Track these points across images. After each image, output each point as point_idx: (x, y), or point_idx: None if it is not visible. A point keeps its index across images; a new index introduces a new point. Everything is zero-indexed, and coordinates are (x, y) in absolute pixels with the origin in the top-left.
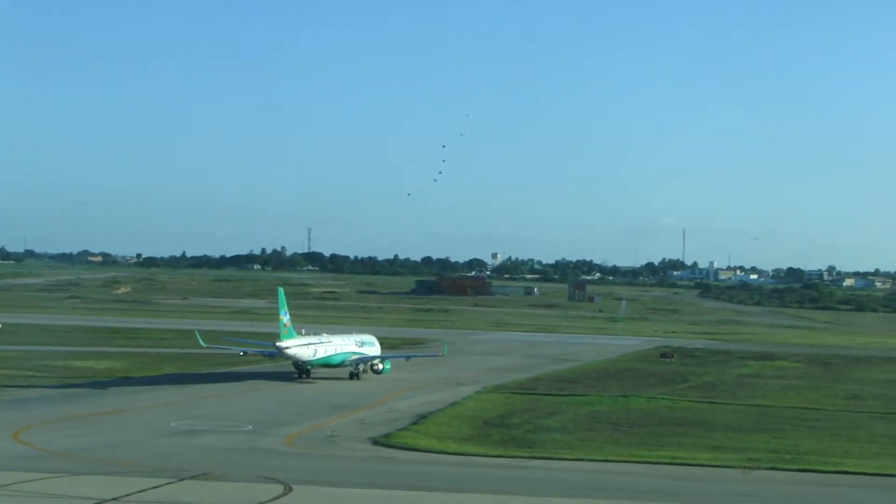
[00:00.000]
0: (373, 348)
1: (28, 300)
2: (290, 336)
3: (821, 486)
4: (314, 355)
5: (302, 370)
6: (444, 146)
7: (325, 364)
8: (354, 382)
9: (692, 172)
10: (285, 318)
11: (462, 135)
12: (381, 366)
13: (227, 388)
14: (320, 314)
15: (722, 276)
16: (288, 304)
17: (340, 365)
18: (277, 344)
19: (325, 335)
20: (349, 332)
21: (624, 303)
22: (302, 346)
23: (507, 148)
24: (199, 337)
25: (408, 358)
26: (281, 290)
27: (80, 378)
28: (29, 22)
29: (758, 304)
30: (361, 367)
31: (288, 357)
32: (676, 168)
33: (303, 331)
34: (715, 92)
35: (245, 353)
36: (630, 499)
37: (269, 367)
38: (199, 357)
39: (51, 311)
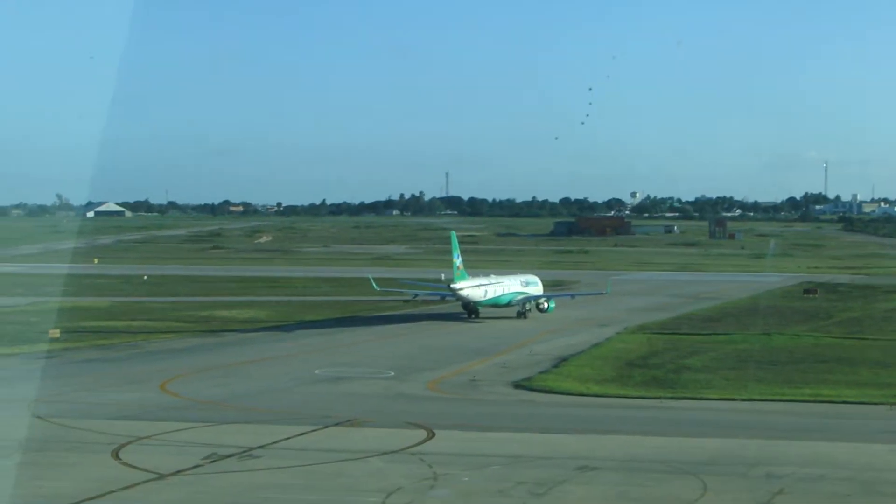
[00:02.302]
0: (536, 287)
1: (172, 251)
2: (462, 278)
3: None
4: (484, 296)
5: (472, 311)
6: (590, 88)
7: (494, 304)
8: (488, 323)
9: (832, 102)
10: (458, 260)
11: (608, 77)
12: (546, 304)
13: (377, 331)
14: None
15: (866, 209)
16: (458, 247)
17: (508, 305)
18: (452, 286)
19: (494, 276)
20: (513, 273)
21: (773, 241)
22: (474, 288)
23: (648, 87)
24: (372, 281)
25: (573, 296)
26: (454, 234)
27: (226, 328)
28: None
29: None
30: (528, 305)
31: (460, 298)
32: (817, 98)
33: (442, 276)
34: (853, 27)
35: (416, 295)
36: (775, 437)
37: (437, 308)
38: (342, 304)
39: (194, 261)
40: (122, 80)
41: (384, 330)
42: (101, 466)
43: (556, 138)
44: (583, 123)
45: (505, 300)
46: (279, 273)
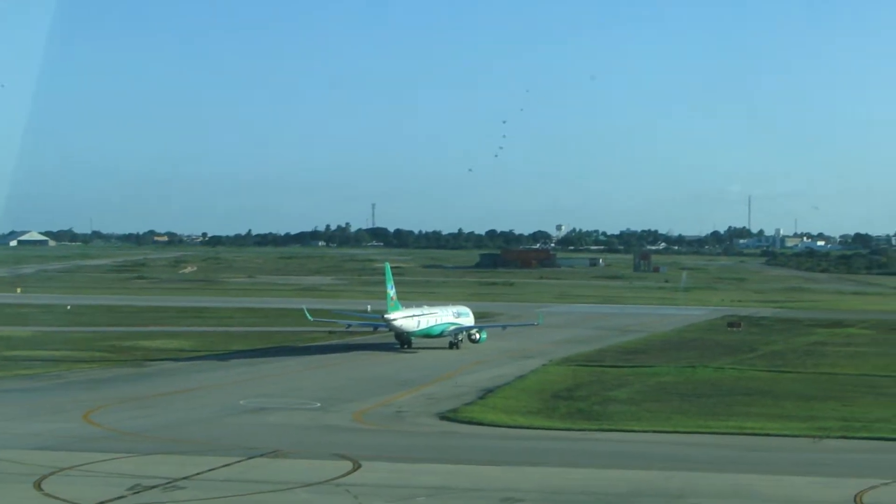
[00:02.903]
0: (468, 318)
1: (96, 281)
2: (395, 308)
3: (892, 453)
4: (417, 326)
5: (405, 341)
6: (504, 121)
7: (427, 335)
8: (414, 355)
9: (756, 138)
10: (392, 291)
11: (522, 110)
12: (478, 335)
13: (304, 361)
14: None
15: (788, 244)
16: (392, 278)
17: (440, 335)
18: (385, 316)
19: (426, 307)
20: (445, 304)
21: (685, 273)
22: (407, 318)
23: (567, 120)
24: (307, 312)
25: (504, 327)
26: (387, 265)
27: (150, 358)
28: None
29: (825, 270)
30: (460, 336)
31: (393, 329)
32: (740, 134)
33: (368, 307)
34: (774, 56)
35: (349, 325)
36: (699, 470)
37: (369, 338)
38: (267, 335)
39: (119, 291)
40: (39, 109)
41: (312, 360)
42: (23, 498)
43: (470, 170)
44: (496, 156)
45: (437, 331)
46: (204, 303)
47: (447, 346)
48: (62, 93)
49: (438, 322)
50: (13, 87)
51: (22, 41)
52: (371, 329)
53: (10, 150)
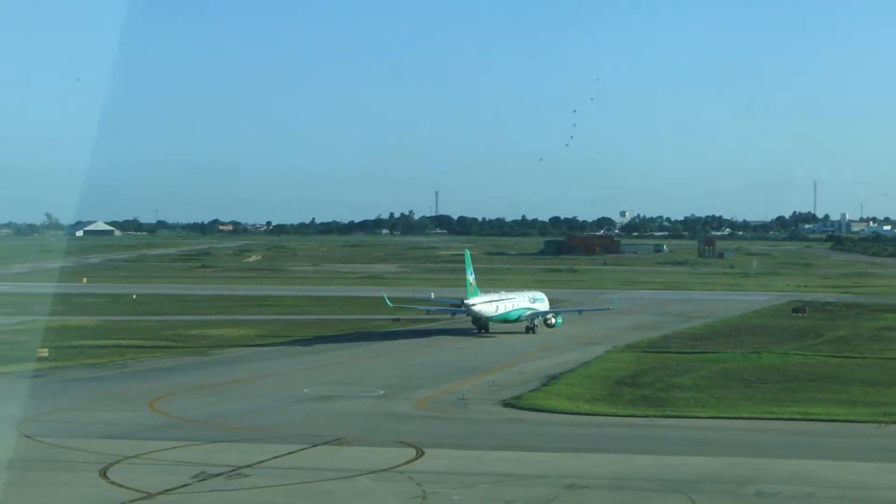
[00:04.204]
0: (543, 304)
1: (161, 270)
2: (475, 294)
3: None
4: (496, 311)
5: (482, 326)
6: (574, 111)
7: (504, 319)
8: (478, 343)
9: (824, 122)
10: (471, 277)
11: (592, 99)
12: (553, 320)
13: (371, 349)
14: (449, 277)
15: (854, 228)
16: (471, 265)
17: (517, 320)
18: (465, 301)
19: (504, 293)
20: (521, 290)
21: (756, 259)
22: (486, 304)
23: (635, 107)
24: (386, 298)
25: (580, 312)
26: (467, 252)
27: (215, 346)
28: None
29: (892, 255)
30: (536, 321)
31: (472, 314)
32: (808, 118)
33: (432, 295)
34: (845, 35)
35: (428, 311)
36: (764, 456)
37: (447, 324)
38: (332, 323)
39: (183, 280)
40: (111, 101)
41: (378, 347)
42: (89, 486)
43: (541, 160)
44: (567, 145)
45: (514, 316)
46: (268, 292)
47: (524, 330)
48: (131, 85)
49: (515, 307)
50: (89, 81)
51: (96, 36)
52: (450, 315)
53: (82, 143)
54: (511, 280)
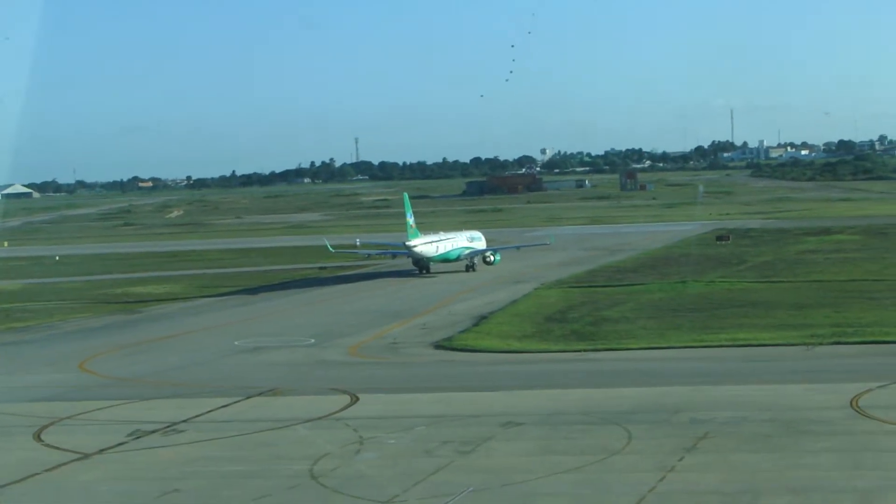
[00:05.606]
0: (481, 242)
1: (83, 230)
2: (415, 236)
3: (886, 356)
4: (436, 252)
5: (423, 267)
6: (512, 46)
7: (445, 259)
8: (420, 281)
9: (737, 49)
10: (411, 220)
11: (529, 33)
12: (492, 257)
13: (299, 299)
14: (374, 222)
15: (773, 154)
16: (410, 207)
17: (457, 259)
18: (406, 243)
19: (443, 233)
20: (459, 230)
21: (701, 187)
22: (427, 244)
23: (552, 44)
24: (328, 244)
25: (518, 248)
26: (406, 196)
27: (141, 303)
28: None
29: (811, 179)
30: (475, 259)
31: (413, 255)
32: (721, 46)
33: (357, 241)
34: None
35: (369, 255)
36: (696, 384)
37: (386, 266)
38: (259, 274)
39: (106, 239)
40: (25, 63)
41: (306, 296)
42: (24, 449)
43: (482, 96)
44: (507, 80)
45: (454, 255)
46: (192, 247)
47: (464, 269)
48: (46, 46)
49: (455, 247)
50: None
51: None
52: (391, 256)
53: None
54: (436, 223)
